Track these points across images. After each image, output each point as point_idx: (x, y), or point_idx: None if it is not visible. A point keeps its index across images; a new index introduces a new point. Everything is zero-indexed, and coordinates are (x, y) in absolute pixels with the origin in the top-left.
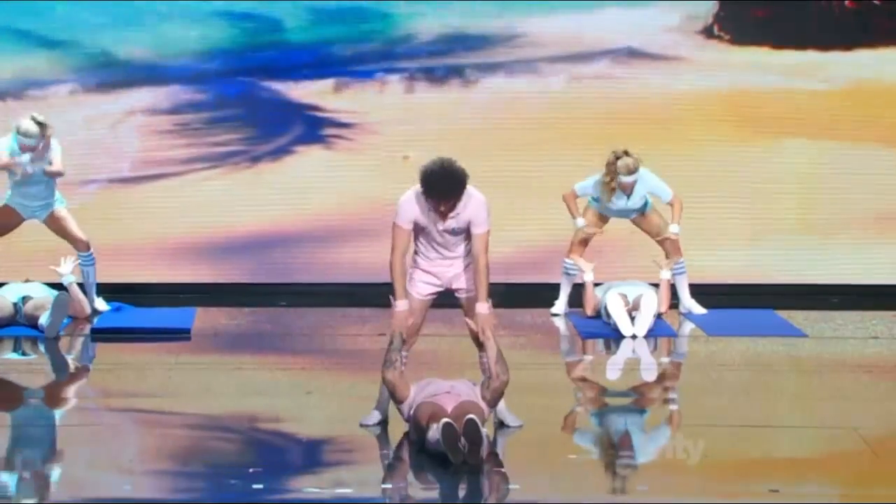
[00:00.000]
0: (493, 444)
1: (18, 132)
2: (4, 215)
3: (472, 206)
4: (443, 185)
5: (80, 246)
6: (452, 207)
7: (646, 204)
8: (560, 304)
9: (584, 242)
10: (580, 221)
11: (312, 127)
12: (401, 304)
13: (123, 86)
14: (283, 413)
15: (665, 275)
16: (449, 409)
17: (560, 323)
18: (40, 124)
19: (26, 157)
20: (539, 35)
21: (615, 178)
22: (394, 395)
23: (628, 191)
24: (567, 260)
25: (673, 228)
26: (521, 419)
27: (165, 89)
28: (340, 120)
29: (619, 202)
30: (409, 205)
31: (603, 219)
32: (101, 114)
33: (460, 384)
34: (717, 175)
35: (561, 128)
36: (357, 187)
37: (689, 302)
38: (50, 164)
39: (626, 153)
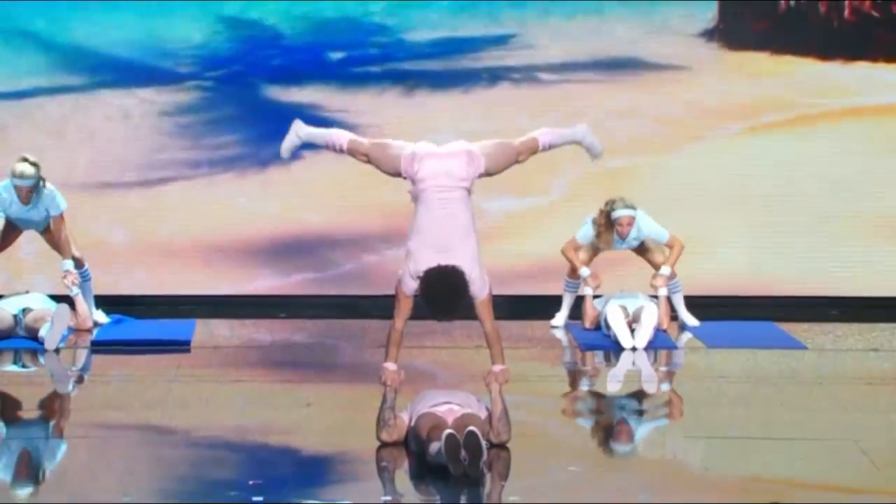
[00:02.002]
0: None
1: (13, 175)
2: (4, 230)
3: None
4: (441, 305)
5: (66, 255)
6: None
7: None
8: (560, 317)
9: (589, 258)
10: (585, 271)
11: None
12: (391, 366)
13: (124, 87)
14: (282, 425)
15: (662, 292)
16: (449, 420)
17: (560, 335)
18: (34, 165)
19: (75, 289)
20: (538, 42)
21: (610, 227)
22: (385, 442)
23: (625, 231)
24: (568, 279)
25: (663, 270)
26: (522, 431)
27: (167, 91)
28: (341, 124)
29: (616, 245)
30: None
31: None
32: (103, 117)
33: (459, 395)
34: (716, 186)
35: None
36: (356, 195)
37: (685, 316)
38: (47, 211)
39: (622, 198)
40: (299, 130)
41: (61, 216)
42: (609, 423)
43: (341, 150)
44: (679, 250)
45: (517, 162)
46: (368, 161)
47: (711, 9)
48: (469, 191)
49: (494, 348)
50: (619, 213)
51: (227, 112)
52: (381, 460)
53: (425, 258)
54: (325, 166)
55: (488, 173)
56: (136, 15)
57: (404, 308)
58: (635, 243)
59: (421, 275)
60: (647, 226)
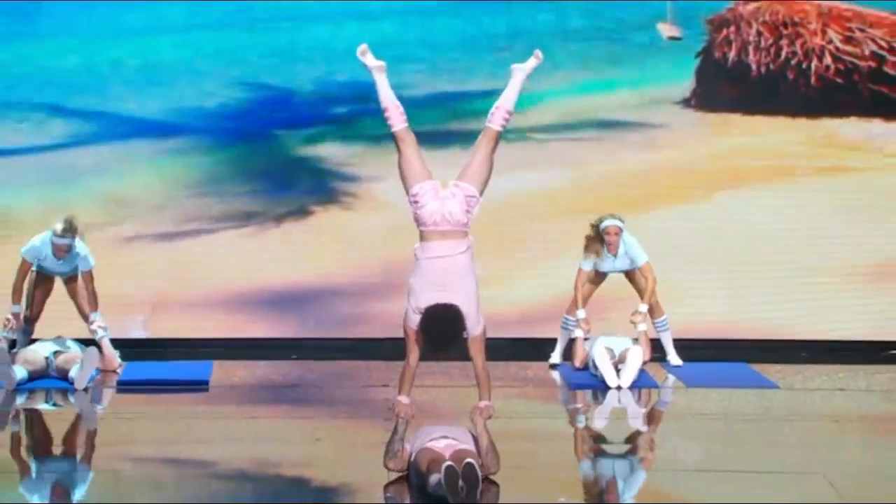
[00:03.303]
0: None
1: (55, 234)
2: (42, 282)
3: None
4: (439, 340)
5: (93, 307)
6: None
7: (633, 266)
8: (556, 355)
9: (590, 291)
10: (581, 313)
11: (322, 187)
12: (404, 399)
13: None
14: (294, 459)
15: (641, 328)
16: (447, 455)
17: (551, 374)
18: (74, 228)
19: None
20: (531, 106)
21: (600, 240)
22: (392, 469)
23: (613, 240)
24: (567, 315)
25: (641, 308)
26: (515, 463)
27: (185, 147)
28: (348, 180)
29: (608, 263)
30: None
31: (599, 276)
32: (124, 171)
33: (456, 430)
34: (695, 239)
35: (555, 191)
36: (360, 249)
37: (672, 357)
38: (76, 267)
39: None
40: (371, 60)
41: (89, 272)
42: (596, 457)
43: (388, 124)
44: (653, 285)
45: (493, 156)
46: (398, 155)
47: (689, 76)
48: (467, 232)
49: (482, 385)
50: (607, 222)
51: (243, 167)
52: (385, 492)
53: (425, 296)
54: (332, 222)
55: (482, 192)
56: (156, 77)
57: (413, 342)
58: (626, 261)
59: (422, 311)
60: (631, 245)
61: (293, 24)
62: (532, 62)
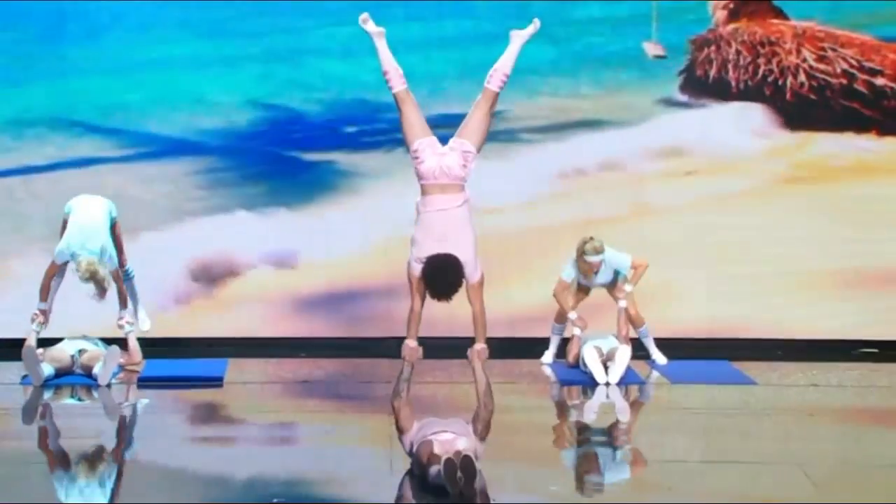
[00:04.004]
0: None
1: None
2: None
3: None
4: (438, 286)
5: (123, 305)
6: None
7: (616, 278)
8: (549, 355)
9: (577, 301)
10: (572, 315)
11: (330, 189)
12: (411, 343)
13: (160, 158)
14: (304, 450)
15: (622, 304)
16: (446, 447)
17: (543, 371)
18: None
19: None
20: (523, 111)
21: (583, 258)
22: (397, 421)
23: (596, 269)
24: (555, 323)
25: (627, 287)
26: (509, 455)
27: (199, 162)
28: (355, 183)
29: (590, 280)
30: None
31: (584, 290)
32: (144, 181)
33: (455, 423)
34: (678, 243)
35: (549, 196)
36: (366, 250)
37: (656, 355)
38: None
39: (592, 238)
40: (371, 27)
41: (116, 272)
42: (585, 449)
43: (389, 86)
44: (643, 269)
45: (491, 115)
46: (399, 115)
47: (673, 90)
48: (464, 186)
49: (478, 328)
50: (589, 258)
51: (256, 170)
52: (389, 482)
53: (427, 247)
54: (338, 226)
55: (479, 148)
56: (173, 98)
57: (416, 290)
58: (610, 274)
59: (423, 260)
60: (611, 259)
61: (305, 51)
62: (530, 29)
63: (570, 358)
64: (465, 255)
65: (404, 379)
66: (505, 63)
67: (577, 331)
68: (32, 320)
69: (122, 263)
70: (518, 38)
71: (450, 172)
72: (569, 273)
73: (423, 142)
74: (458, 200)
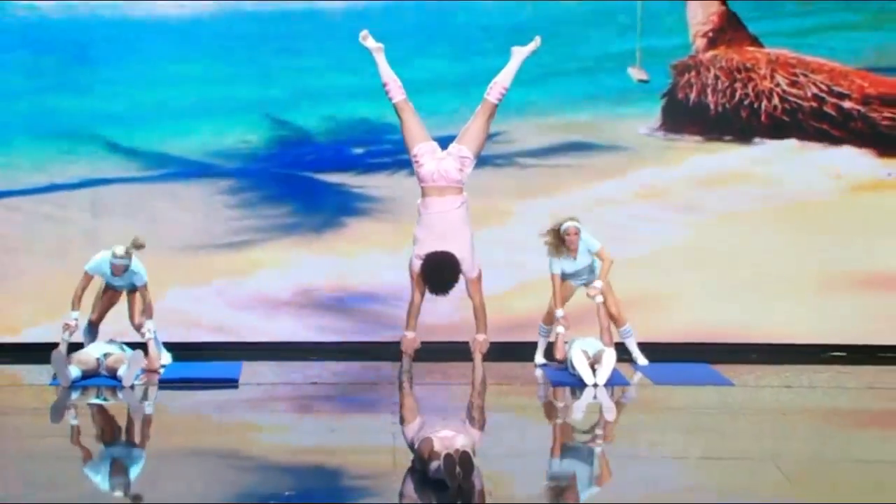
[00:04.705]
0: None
1: (113, 255)
2: (107, 292)
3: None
4: (435, 281)
5: (147, 314)
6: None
7: (592, 271)
8: (538, 356)
9: (564, 297)
10: (559, 312)
11: (340, 206)
12: (409, 334)
13: (179, 179)
14: (312, 447)
15: (598, 299)
16: (445, 443)
17: (535, 373)
18: (128, 252)
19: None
20: (519, 135)
21: (562, 239)
22: (401, 411)
23: (573, 240)
24: (542, 324)
25: (596, 283)
26: (503, 452)
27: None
28: (363, 198)
29: (568, 263)
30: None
31: (568, 285)
32: (168, 199)
33: (453, 421)
34: (659, 254)
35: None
36: (369, 259)
37: (638, 357)
38: (132, 282)
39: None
40: (371, 43)
41: (145, 286)
42: (573, 446)
43: (389, 97)
44: (609, 264)
45: (489, 125)
46: (400, 123)
47: (656, 112)
48: (462, 189)
49: (479, 319)
50: (566, 224)
51: (271, 192)
52: (392, 476)
53: (427, 244)
54: (345, 238)
55: (476, 155)
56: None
57: (417, 284)
58: (586, 257)
59: (422, 257)
60: (585, 240)
61: (316, 72)
62: (531, 46)
63: (558, 355)
64: (461, 252)
65: (405, 371)
66: (505, 77)
67: (560, 329)
68: (63, 329)
69: (148, 315)
70: (519, 53)
71: (447, 176)
72: (555, 266)
73: (423, 146)
74: (457, 202)
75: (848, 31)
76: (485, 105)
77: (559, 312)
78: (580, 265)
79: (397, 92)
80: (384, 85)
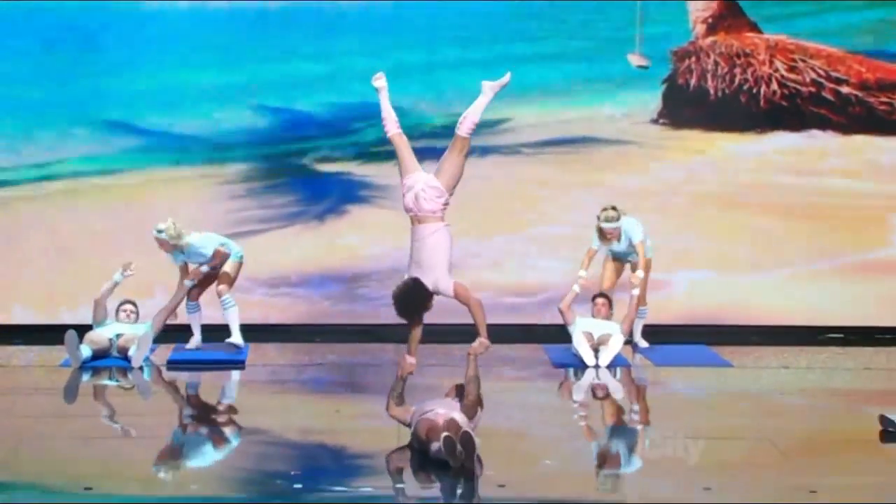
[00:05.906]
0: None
1: (157, 230)
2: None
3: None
4: (402, 310)
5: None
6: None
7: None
8: (638, 337)
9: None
10: (583, 272)
11: (343, 192)
12: (409, 358)
13: (188, 165)
14: (317, 427)
15: (635, 291)
16: (441, 423)
17: (539, 354)
18: (159, 229)
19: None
20: (521, 125)
21: (603, 233)
22: (399, 421)
23: (614, 236)
24: (641, 307)
25: (639, 273)
26: (507, 431)
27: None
28: (366, 185)
29: (613, 246)
30: None
31: (617, 270)
32: (175, 184)
33: (447, 402)
34: (660, 240)
35: (550, 199)
36: (376, 242)
37: (639, 339)
38: (186, 259)
39: (608, 208)
40: (381, 83)
41: (214, 255)
42: (575, 425)
43: (385, 129)
44: (644, 261)
45: (463, 158)
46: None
47: (656, 98)
48: (439, 218)
49: (476, 323)
50: (604, 225)
51: (276, 181)
52: (394, 455)
53: (412, 269)
54: (347, 222)
55: (450, 188)
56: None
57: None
58: (627, 242)
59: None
60: (628, 228)
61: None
62: (502, 81)
63: (563, 305)
64: (434, 278)
65: (394, 389)
66: (474, 111)
67: (576, 287)
68: (123, 269)
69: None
70: (489, 88)
71: (422, 206)
72: (595, 241)
73: (411, 177)
74: (431, 230)
75: (844, 12)
76: (456, 140)
77: (582, 272)
78: (623, 247)
79: (392, 126)
80: (382, 119)
